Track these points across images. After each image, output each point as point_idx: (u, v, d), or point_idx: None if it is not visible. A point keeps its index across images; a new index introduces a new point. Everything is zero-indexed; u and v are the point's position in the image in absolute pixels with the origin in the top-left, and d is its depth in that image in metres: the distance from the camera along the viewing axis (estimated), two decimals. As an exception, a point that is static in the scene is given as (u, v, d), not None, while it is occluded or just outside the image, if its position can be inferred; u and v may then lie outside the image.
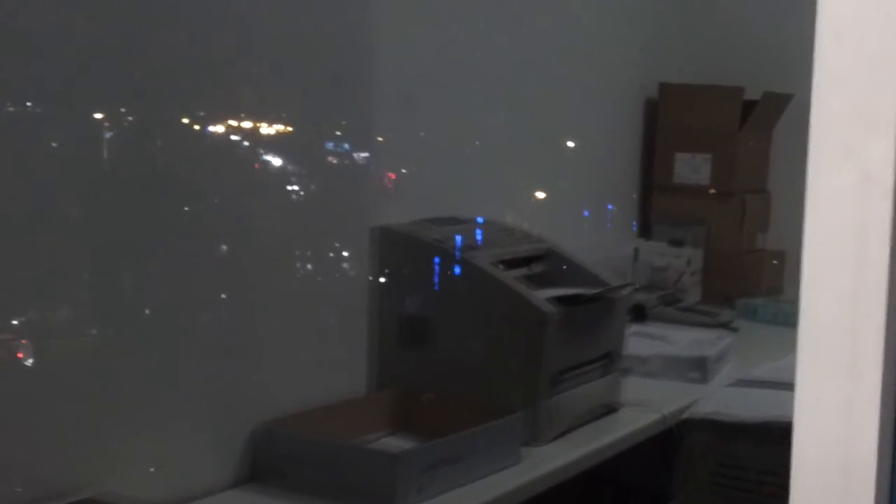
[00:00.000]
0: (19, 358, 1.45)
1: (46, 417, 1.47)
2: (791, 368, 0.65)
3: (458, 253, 1.99)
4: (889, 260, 0.61)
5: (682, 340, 2.52)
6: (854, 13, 0.62)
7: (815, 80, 0.64)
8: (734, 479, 2.06)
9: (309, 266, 1.93)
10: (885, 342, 0.62)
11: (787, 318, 2.85)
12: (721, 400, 2.18)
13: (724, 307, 2.99)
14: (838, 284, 0.63)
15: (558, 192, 2.79)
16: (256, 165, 1.81)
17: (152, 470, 1.60)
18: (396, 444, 1.87)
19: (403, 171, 2.19)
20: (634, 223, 3.23)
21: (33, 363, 1.46)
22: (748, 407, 2.06)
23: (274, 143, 1.83)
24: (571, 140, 2.87)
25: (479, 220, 2.20)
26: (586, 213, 3.00)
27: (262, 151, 1.81)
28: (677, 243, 3.05)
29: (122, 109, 1.56)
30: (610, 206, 3.15)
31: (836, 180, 0.63)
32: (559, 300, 1.96)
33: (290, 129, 1.86)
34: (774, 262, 3.20)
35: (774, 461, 1.81)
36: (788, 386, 0.65)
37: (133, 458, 1.58)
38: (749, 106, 3.08)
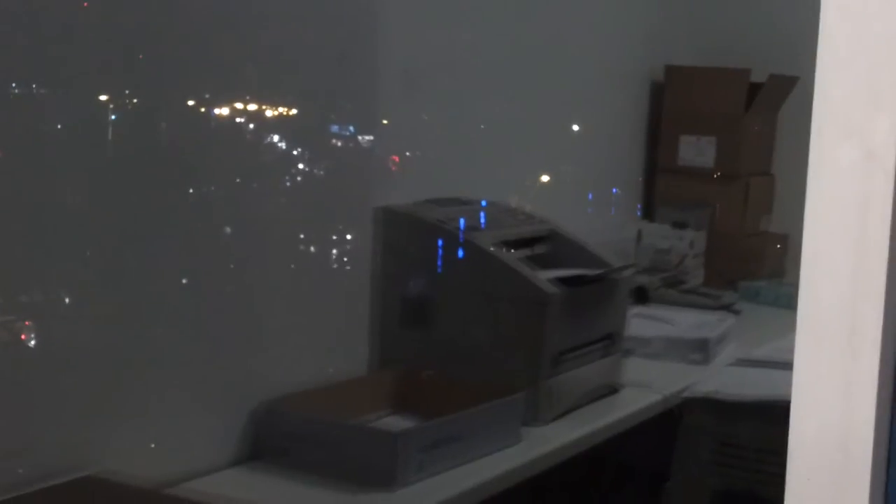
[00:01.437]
0: (23, 339, 1.45)
1: (50, 396, 1.47)
2: (791, 348, 0.65)
3: (460, 233, 1.99)
4: (890, 238, 0.61)
5: (684, 322, 2.52)
6: (859, -9, 0.62)
7: (819, 58, 0.64)
8: (734, 457, 2.07)
9: (312, 246, 1.93)
10: (884, 320, 0.62)
11: (790, 301, 2.85)
12: (721, 379, 2.19)
13: (727, 290, 2.99)
14: (839, 262, 0.63)
15: (563, 174, 2.78)
16: (260, 147, 1.81)
17: (153, 446, 1.60)
18: (397, 423, 1.87)
19: (407, 153, 2.19)
20: (639, 206, 3.23)
21: (36, 343, 1.46)
22: (748, 386, 2.07)
23: (278, 125, 1.83)
24: (577, 122, 2.86)
25: (483, 202, 2.20)
26: (591, 195, 3.00)
27: (266, 133, 1.81)
28: (681, 226, 3.05)
29: (127, 91, 1.56)
30: (615, 189, 3.14)
31: (838, 158, 0.63)
32: (561, 281, 1.96)
33: (294, 111, 1.86)
34: (778, 245, 3.20)
35: (774, 440, 1.82)
36: (788, 366, 0.65)
37: (134, 437, 1.59)
38: (754, 89, 3.07)
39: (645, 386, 2.18)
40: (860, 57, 0.62)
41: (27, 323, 1.45)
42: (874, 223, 0.62)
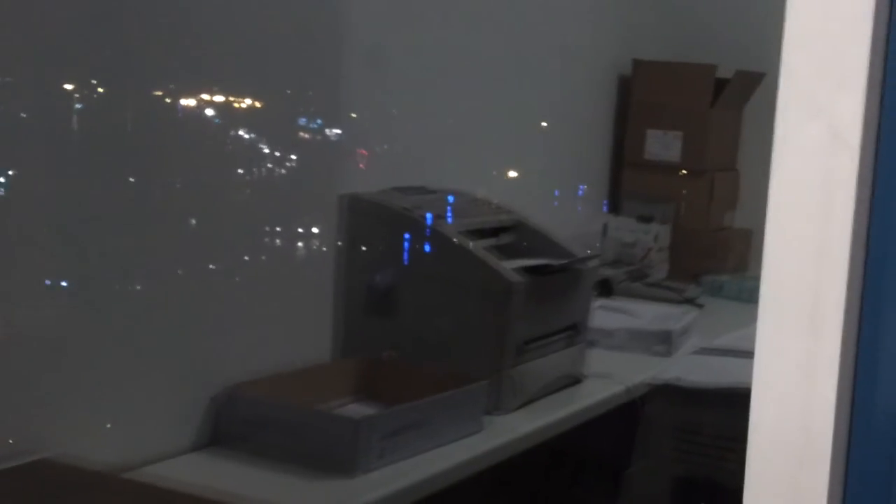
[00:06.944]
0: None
1: (5, 379, 1.45)
2: (753, 338, 0.65)
3: (426, 222, 1.98)
4: (853, 217, 0.61)
5: (648, 315, 2.53)
6: (825, -28, 0.62)
7: (785, 37, 0.63)
8: (695, 444, 2.08)
9: (277, 233, 1.91)
10: (847, 300, 0.62)
11: (752, 295, 2.84)
12: (683, 367, 2.20)
13: (690, 283, 3.00)
14: (802, 240, 0.62)
15: (530, 167, 2.78)
16: (225, 136, 1.79)
17: (109, 426, 1.58)
18: (360, 410, 1.86)
19: (375, 146, 2.18)
20: (605, 199, 3.24)
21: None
22: (710, 373, 2.08)
23: (244, 115, 1.81)
24: (544, 116, 2.86)
25: (449, 194, 2.19)
26: (557, 189, 3.00)
27: (231, 122, 1.79)
28: (646, 219, 3.06)
29: (93, 81, 1.53)
30: (581, 182, 3.15)
31: (803, 137, 0.63)
32: (526, 270, 1.96)
33: (261, 100, 1.84)
34: (742, 241, 3.22)
35: (735, 428, 1.83)
36: (750, 354, 0.65)
37: (92, 420, 1.57)
38: (721, 84, 3.08)
39: (608, 377, 2.19)
40: (826, 36, 0.62)
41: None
42: (839, 203, 0.62)
